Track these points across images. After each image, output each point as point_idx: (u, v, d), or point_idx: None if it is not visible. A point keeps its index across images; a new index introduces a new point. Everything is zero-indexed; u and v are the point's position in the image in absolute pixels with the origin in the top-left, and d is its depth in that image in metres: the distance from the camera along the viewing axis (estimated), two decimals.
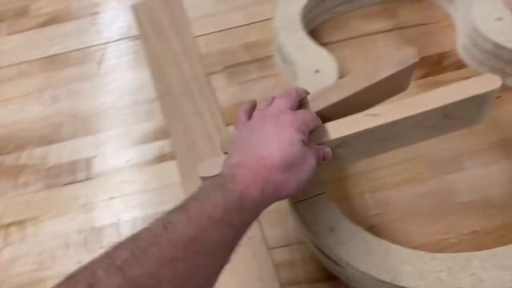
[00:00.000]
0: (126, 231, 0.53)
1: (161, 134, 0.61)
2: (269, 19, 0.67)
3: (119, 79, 0.67)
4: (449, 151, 0.54)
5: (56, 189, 0.58)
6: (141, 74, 0.67)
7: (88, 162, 0.60)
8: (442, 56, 0.61)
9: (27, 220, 0.55)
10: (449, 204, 0.51)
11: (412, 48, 0.43)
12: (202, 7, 0.72)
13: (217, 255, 0.32)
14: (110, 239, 0.53)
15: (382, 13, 0.66)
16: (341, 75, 0.60)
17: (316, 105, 0.43)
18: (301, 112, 0.40)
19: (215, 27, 0.70)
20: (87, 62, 0.70)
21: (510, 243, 0.43)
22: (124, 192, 0.57)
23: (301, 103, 0.43)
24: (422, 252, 0.43)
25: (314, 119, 0.40)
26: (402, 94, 0.47)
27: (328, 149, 0.40)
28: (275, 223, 0.52)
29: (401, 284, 0.41)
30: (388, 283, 0.41)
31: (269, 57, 0.65)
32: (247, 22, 0.69)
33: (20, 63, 0.71)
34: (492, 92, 0.40)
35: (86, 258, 0.28)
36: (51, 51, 0.72)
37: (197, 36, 0.69)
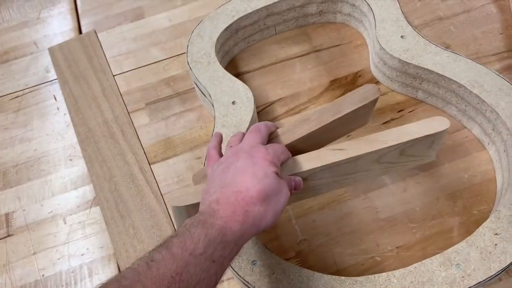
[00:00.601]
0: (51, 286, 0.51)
1: (83, 180, 0.59)
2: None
3: (38, 127, 0.65)
4: None
5: None
6: (61, 120, 0.65)
7: (7, 217, 0.58)
8: (356, 75, 0.63)
9: None
10: (372, 222, 0.52)
11: (373, 85, 0.46)
12: (120, 45, 0.72)
13: None
14: None
15: (297, 38, 0.67)
16: (258, 104, 0.62)
17: (285, 138, 0.45)
18: (272, 145, 0.42)
19: (134, 64, 0.69)
20: (3, 111, 0.67)
21: (431, 255, 0.44)
22: (47, 246, 0.55)
23: (270, 137, 0.45)
24: (343, 277, 0.43)
25: (285, 151, 0.42)
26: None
27: (299, 179, 0.41)
28: None
29: None
30: None
31: (190, 90, 0.65)
32: (166, 57, 0.69)
33: None
34: (441, 132, 0.44)
35: None
36: None
37: (116, 75, 0.68)
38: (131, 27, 0.74)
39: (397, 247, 0.50)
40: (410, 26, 0.59)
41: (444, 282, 0.42)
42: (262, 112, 0.61)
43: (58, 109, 0.67)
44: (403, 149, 0.44)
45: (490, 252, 0.43)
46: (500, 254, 0.43)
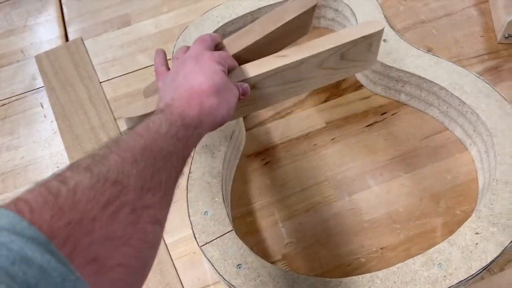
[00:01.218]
0: None
1: None
2: None
3: (25, 135, 0.65)
4: (352, 171, 0.56)
5: None
6: (48, 127, 0.65)
7: None
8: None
9: None
10: (357, 223, 0.52)
11: None
12: (106, 52, 0.72)
13: (172, 161, 0.32)
14: None
15: None
16: None
17: (231, 49, 0.46)
18: (218, 52, 0.43)
19: (121, 70, 0.69)
20: None
21: (415, 255, 0.45)
22: None
23: (216, 48, 0.46)
24: (327, 279, 0.44)
25: (231, 58, 0.44)
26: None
27: (246, 85, 0.43)
28: (190, 267, 0.51)
29: None
30: None
31: None
32: (152, 63, 0.69)
33: None
34: (377, 33, 0.47)
35: None
36: None
37: (103, 82, 0.68)
38: (117, 34, 0.74)
39: (381, 248, 0.50)
40: (392, 30, 0.60)
41: (426, 281, 0.43)
42: (248, 116, 0.62)
43: (45, 116, 0.67)
44: (343, 52, 0.46)
45: (471, 251, 0.44)
46: (481, 253, 0.43)
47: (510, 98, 0.53)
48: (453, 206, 0.52)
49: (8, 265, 0.20)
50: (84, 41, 0.74)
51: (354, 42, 0.46)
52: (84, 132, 0.63)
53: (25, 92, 0.70)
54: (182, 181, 0.57)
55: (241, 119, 0.57)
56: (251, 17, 0.65)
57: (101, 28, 0.76)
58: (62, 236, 0.23)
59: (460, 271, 0.42)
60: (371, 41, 0.47)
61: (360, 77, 0.63)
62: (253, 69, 0.44)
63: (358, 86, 0.63)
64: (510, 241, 0.44)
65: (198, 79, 0.38)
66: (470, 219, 0.46)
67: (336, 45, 0.45)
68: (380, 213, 0.53)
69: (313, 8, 0.49)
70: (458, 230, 0.45)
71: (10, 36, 0.77)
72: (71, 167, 0.27)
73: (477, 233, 0.45)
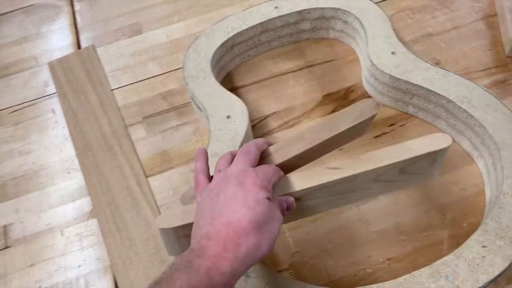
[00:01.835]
0: None
1: (80, 193, 0.60)
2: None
3: (36, 141, 0.66)
4: None
5: None
6: (59, 133, 0.66)
7: (5, 229, 0.58)
8: (348, 90, 0.64)
9: None
10: (364, 234, 0.53)
11: (371, 100, 0.44)
12: (118, 60, 0.73)
13: None
14: None
15: (291, 53, 0.69)
16: (253, 118, 0.63)
17: (278, 157, 0.43)
18: (262, 168, 0.40)
19: (132, 78, 0.70)
20: (2, 125, 0.68)
21: (421, 267, 0.45)
22: (44, 258, 0.55)
23: (263, 155, 0.44)
24: None
25: (276, 172, 0.41)
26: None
27: (291, 200, 0.40)
28: None
29: None
30: None
31: (187, 103, 0.66)
32: (163, 71, 0.71)
33: None
34: (443, 150, 0.42)
35: None
36: None
37: (114, 89, 0.69)
38: (129, 43, 0.76)
39: (388, 259, 0.51)
40: (400, 43, 0.61)
41: None
42: (256, 125, 0.63)
43: (56, 122, 0.68)
44: (403, 167, 0.43)
45: (478, 264, 0.44)
46: (488, 266, 0.44)
47: None
48: (460, 218, 0.52)
49: None
50: (96, 49, 0.75)
51: (417, 158, 0.42)
52: (95, 139, 0.64)
53: (37, 98, 0.71)
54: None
55: (250, 128, 0.58)
56: (261, 28, 0.66)
57: (113, 36, 0.77)
58: None
59: (466, 283, 0.43)
60: (435, 157, 0.43)
61: (368, 88, 0.63)
62: (301, 182, 0.41)
63: (366, 97, 0.63)
64: None
65: (238, 212, 0.36)
66: (477, 232, 0.46)
67: (397, 161, 0.41)
68: (387, 224, 0.53)
69: (372, 117, 0.44)
70: (465, 243, 0.46)
71: (24, 43, 0.79)
72: None
73: (484, 246, 0.45)
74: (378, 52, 0.60)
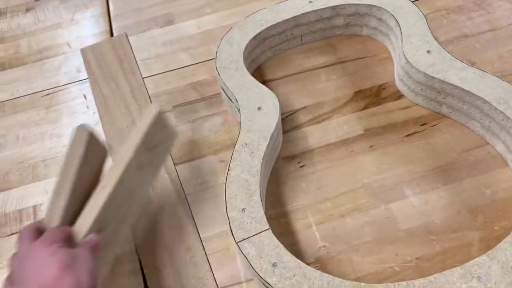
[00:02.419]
0: None
1: None
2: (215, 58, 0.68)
3: (67, 124, 0.67)
4: (390, 180, 0.55)
5: (1, 239, 0.57)
6: (90, 118, 0.67)
7: (35, 209, 0.59)
8: (380, 88, 0.64)
9: None
10: (392, 232, 0.52)
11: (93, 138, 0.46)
12: (150, 49, 0.74)
13: None
14: None
15: (322, 49, 0.69)
16: (282, 112, 0.63)
17: (56, 219, 0.44)
18: (48, 232, 0.42)
19: (163, 68, 0.71)
20: (35, 107, 0.69)
21: (450, 268, 0.44)
22: None
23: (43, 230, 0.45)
24: (363, 284, 0.44)
25: (59, 229, 0.43)
26: None
27: (93, 236, 0.43)
28: (223, 263, 0.52)
29: None
30: None
31: (217, 94, 0.67)
32: (194, 62, 0.71)
33: None
34: (157, 116, 0.48)
35: None
36: None
37: (145, 77, 0.70)
38: (160, 32, 0.76)
39: (416, 258, 0.50)
40: (436, 42, 0.60)
41: None
42: (286, 119, 0.63)
43: (87, 107, 0.69)
44: (146, 147, 0.48)
45: (511, 267, 0.43)
46: None
47: None
48: (491, 221, 0.52)
49: None
50: (128, 37, 0.76)
51: (147, 134, 0.47)
52: (125, 125, 0.65)
53: (69, 83, 0.72)
54: (219, 178, 0.58)
55: (279, 121, 0.58)
56: (294, 21, 0.66)
57: (145, 25, 0.78)
58: None
59: (500, 286, 0.42)
60: (158, 125, 0.49)
61: (401, 87, 0.62)
62: (85, 219, 0.43)
63: (398, 96, 0.62)
64: None
65: (44, 269, 0.38)
66: (510, 234, 0.45)
67: (134, 148, 0.46)
68: (417, 223, 0.52)
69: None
70: (498, 245, 0.45)
71: (58, 29, 0.80)
72: None
73: None
74: (413, 50, 0.59)
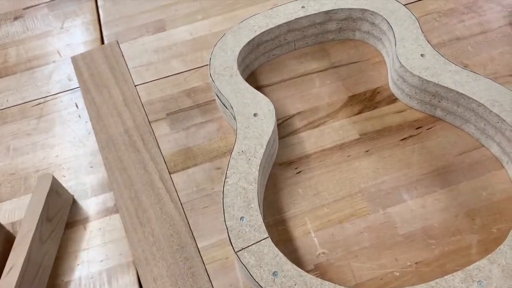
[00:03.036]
0: None
1: (103, 187, 0.60)
2: (208, 65, 0.68)
3: (59, 134, 0.66)
4: (387, 184, 0.55)
5: None
6: (82, 127, 0.66)
7: None
8: (374, 92, 0.64)
9: None
10: (391, 237, 0.52)
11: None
12: (142, 56, 0.73)
13: None
14: None
15: (316, 54, 0.69)
16: (278, 117, 0.62)
17: None
18: None
19: (156, 75, 0.70)
20: (25, 117, 0.68)
21: (450, 272, 0.44)
22: (66, 251, 0.55)
23: None
24: None
25: None
26: None
27: None
28: (221, 273, 0.51)
29: None
30: None
31: (211, 101, 0.66)
32: (187, 69, 0.70)
33: None
34: (50, 187, 0.54)
35: None
36: None
37: (138, 85, 0.69)
38: (152, 39, 0.75)
39: (416, 263, 0.50)
40: (429, 45, 0.60)
41: None
42: (281, 125, 0.62)
43: (79, 116, 0.68)
44: (45, 217, 0.52)
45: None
46: None
47: None
48: (489, 223, 0.52)
49: None
50: (120, 45, 0.75)
51: (39, 206, 0.51)
52: (118, 133, 0.64)
53: (60, 92, 0.71)
54: (216, 186, 0.57)
55: (275, 127, 0.58)
56: (287, 27, 0.66)
57: (137, 32, 0.77)
58: None
59: None
60: (52, 196, 0.53)
61: (395, 90, 0.63)
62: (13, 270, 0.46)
63: (393, 100, 0.63)
64: None
65: None
66: (509, 237, 0.45)
67: (35, 220, 0.50)
68: (415, 227, 0.52)
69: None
70: (498, 248, 0.45)
71: (47, 37, 0.79)
72: None
73: None
74: (407, 54, 0.59)
